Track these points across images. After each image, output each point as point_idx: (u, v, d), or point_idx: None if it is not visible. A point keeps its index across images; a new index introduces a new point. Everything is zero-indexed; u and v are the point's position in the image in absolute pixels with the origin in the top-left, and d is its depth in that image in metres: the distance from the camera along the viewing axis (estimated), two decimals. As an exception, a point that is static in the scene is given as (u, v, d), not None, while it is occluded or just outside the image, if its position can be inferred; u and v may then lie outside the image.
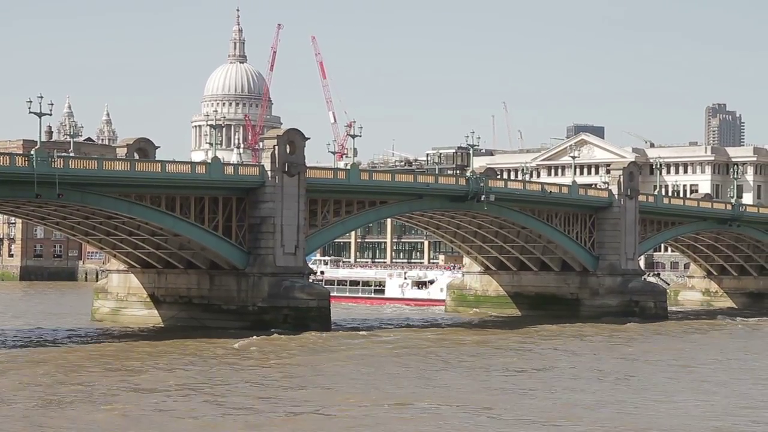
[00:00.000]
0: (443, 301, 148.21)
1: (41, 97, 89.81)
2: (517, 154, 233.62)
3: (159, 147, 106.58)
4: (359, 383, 66.21)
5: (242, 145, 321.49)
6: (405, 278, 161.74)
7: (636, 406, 58.14)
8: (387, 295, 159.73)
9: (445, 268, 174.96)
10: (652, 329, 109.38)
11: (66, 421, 52.42)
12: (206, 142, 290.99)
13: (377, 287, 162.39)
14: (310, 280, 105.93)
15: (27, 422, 52.16)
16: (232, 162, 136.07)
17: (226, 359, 77.16)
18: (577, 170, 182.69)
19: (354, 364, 75.34)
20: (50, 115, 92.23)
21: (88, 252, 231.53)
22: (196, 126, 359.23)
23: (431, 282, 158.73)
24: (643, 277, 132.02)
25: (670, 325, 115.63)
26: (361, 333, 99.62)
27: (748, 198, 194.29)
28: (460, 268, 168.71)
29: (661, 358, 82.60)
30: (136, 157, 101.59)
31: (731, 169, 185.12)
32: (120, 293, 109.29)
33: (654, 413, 55.96)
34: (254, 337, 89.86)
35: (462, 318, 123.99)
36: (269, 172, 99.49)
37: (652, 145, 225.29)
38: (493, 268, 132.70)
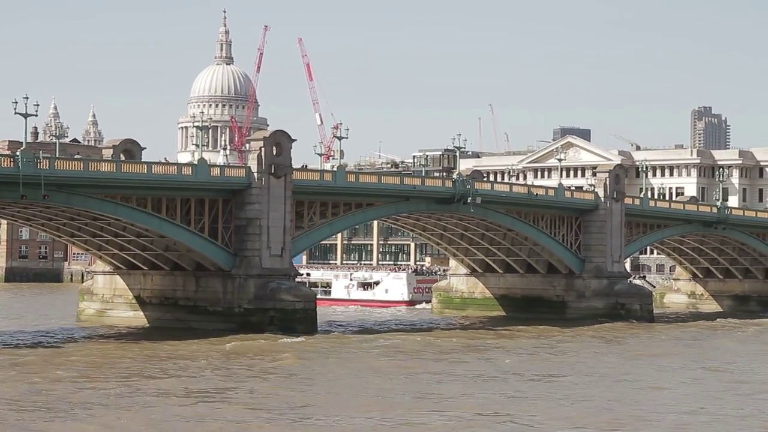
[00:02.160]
0: (388, 302, 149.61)
1: (27, 97, 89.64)
2: (503, 156, 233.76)
3: (145, 148, 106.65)
4: (356, 388, 65.77)
5: (228, 147, 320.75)
6: (351, 279, 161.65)
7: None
8: (333, 296, 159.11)
9: (390, 269, 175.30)
10: (634, 330, 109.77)
11: (56, 429, 51.91)
12: (192, 144, 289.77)
13: (324, 288, 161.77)
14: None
15: (17, 429, 51.59)
16: (218, 163, 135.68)
17: (213, 362, 76.94)
18: (564, 173, 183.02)
19: (347, 368, 75.22)
20: (36, 116, 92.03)
21: (74, 253, 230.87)
22: (182, 127, 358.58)
23: (376, 283, 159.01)
24: (629, 279, 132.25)
25: (654, 327, 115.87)
26: (348, 336, 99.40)
27: (733, 201, 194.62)
28: (404, 269, 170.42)
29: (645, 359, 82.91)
30: (122, 158, 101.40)
31: (717, 172, 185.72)
32: (106, 295, 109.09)
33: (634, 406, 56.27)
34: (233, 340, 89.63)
35: (449, 320, 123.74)
36: (255, 174, 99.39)
37: (638, 148, 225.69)
38: (480, 271, 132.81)
